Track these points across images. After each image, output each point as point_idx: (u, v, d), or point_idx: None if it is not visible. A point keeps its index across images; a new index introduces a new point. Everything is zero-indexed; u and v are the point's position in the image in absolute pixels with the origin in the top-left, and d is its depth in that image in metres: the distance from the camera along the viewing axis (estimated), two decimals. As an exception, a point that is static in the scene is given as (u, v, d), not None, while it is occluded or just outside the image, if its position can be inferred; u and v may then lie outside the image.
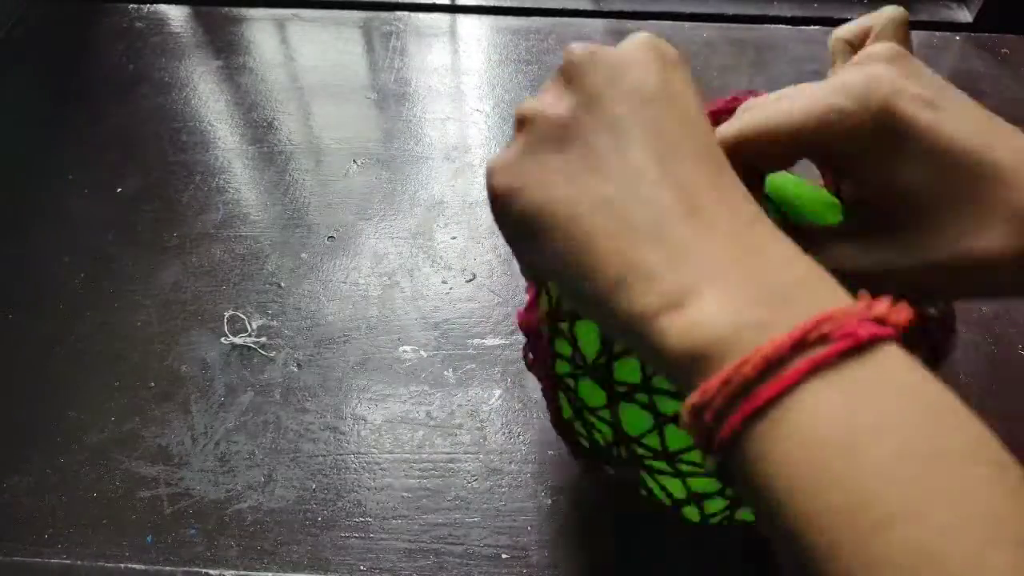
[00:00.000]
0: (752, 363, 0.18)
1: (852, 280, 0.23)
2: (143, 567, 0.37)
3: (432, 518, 0.38)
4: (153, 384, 0.43)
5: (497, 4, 0.68)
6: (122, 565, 0.37)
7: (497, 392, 0.43)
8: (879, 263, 0.25)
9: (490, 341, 0.45)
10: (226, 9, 0.68)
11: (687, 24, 0.67)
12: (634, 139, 0.22)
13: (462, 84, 0.62)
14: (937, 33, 0.65)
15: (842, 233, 0.26)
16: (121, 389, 0.43)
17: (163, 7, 0.68)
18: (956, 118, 0.23)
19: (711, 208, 0.21)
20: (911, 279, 0.25)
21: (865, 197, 0.26)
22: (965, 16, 0.67)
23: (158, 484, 0.40)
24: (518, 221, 0.24)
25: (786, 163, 0.26)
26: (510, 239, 0.26)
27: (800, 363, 0.18)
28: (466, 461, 0.40)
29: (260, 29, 0.67)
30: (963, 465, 0.17)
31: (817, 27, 0.66)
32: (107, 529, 0.38)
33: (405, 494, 0.39)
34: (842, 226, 0.28)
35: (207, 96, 0.61)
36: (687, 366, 0.19)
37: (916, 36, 0.65)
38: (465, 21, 0.67)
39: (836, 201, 0.30)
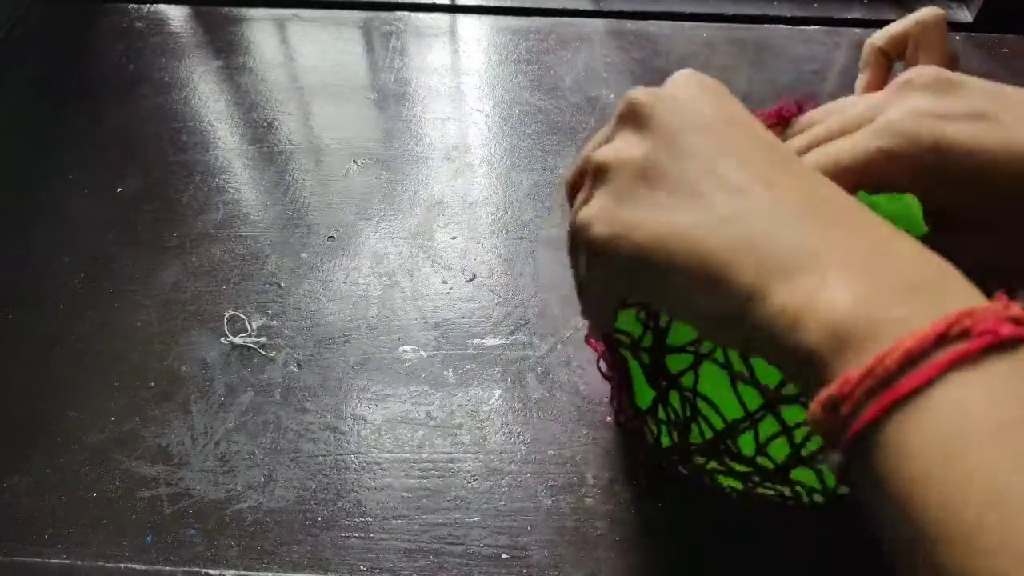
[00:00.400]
0: (894, 356, 0.18)
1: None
2: (143, 567, 0.37)
3: (432, 518, 0.38)
4: (153, 384, 0.43)
5: (497, 4, 0.68)
6: (122, 565, 0.37)
7: (497, 392, 0.43)
8: (976, 262, 0.24)
9: (490, 341, 0.45)
10: (226, 9, 0.68)
11: (687, 24, 0.67)
12: (724, 161, 0.23)
13: (462, 84, 0.62)
14: (937, 33, 0.65)
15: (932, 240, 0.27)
16: (121, 389, 0.43)
17: (163, 7, 0.68)
18: (1013, 123, 0.24)
19: (825, 208, 0.22)
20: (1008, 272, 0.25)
21: (947, 213, 0.26)
22: (965, 16, 0.67)
23: (158, 484, 0.40)
24: (631, 262, 0.24)
25: None
26: (621, 284, 0.26)
27: (942, 357, 0.18)
28: (466, 461, 0.40)
29: (260, 29, 0.67)
30: None
31: (817, 27, 0.66)
32: (107, 529, 0.38)
33: (405, 494, 0.39)
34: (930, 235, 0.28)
35: (207, 96, 0.61)
36: (824, 360, 0.20)
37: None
38: (465, 21, 0.67)
39: (914, 213, 0.29)
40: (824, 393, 0.19)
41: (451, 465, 0.40)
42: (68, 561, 0.37)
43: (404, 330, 0.46)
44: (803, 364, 0.20)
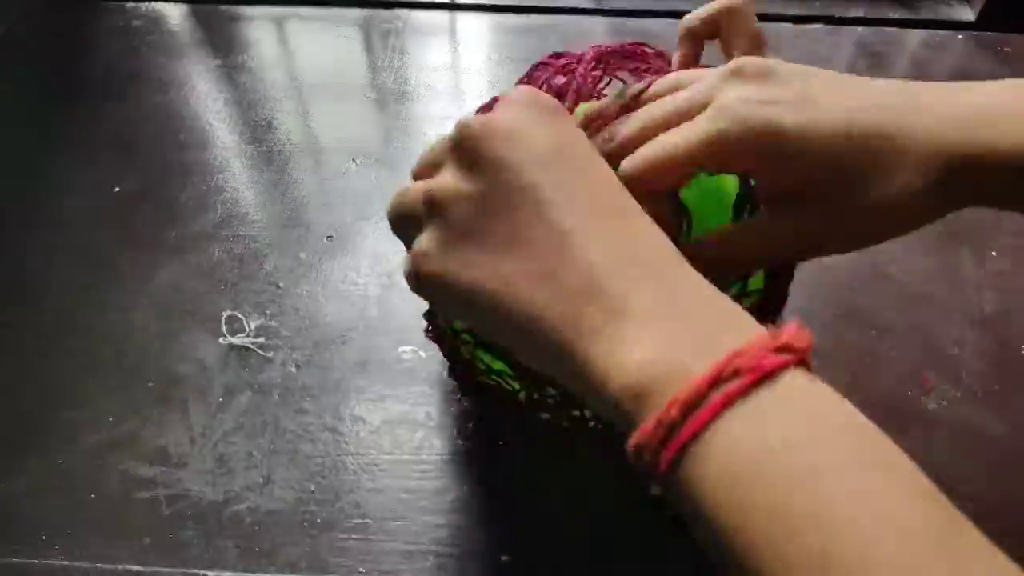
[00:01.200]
0: (677, 405, 0.20)
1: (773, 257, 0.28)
2: (141, 568, 0.37)
3: (431, 519, 0.38)
4: (151, 384, 0.43)
5: (497, 2, 0.68)
6: (120, 566, 0.37)
7: (496, 393, 0.43)
8: (794, 238, 0.28)
9: (489, 341, 0.45)
10: (224, 7, 0.68)
11: (688, 22, 0.66)
12: (550, 204, 0.24)
13: (462, 83, 0.62)
14: (939, 32, 0.65)
15: (753, 224, 0.30)
16: (119, 390, 0.43)
17: (161, 5, 0.68)
18: (827, 104, 0.27)
19: (640, 256, 0.24)
20: (824, 245, 0.29)
21: (772, 190, 0.29)
22: (967, 14, 0.67)
23: (156, 485, 0.40)
24: (455, 302, 0.25)
25: (685, 182, 0.29)
26: (449, 315, 0.28)
27: (715, 399, 0.20)
28: (465, 462, 0.40)
29: (259, 27, 0.67)
30: (860, 472, 0.19)
31: (818, 25, 0.66)
32: (105, 530, 0.38)
33: (404, 495, 0.39)
34: (753, 219, 0.31)
35: (205, 95, 0.60)
36: (628, 411, 0.22)
37: (918, 34, 0.65)
38: (464, 19, 0.67)
39: (730, 200, 0.33)
40: (629, 444, 0.21)
41: (451, 466, 0.40)
42: (66, 562, 0.37)
43: (403, 330, 0.46)
44: (615, 415, 0.22)
